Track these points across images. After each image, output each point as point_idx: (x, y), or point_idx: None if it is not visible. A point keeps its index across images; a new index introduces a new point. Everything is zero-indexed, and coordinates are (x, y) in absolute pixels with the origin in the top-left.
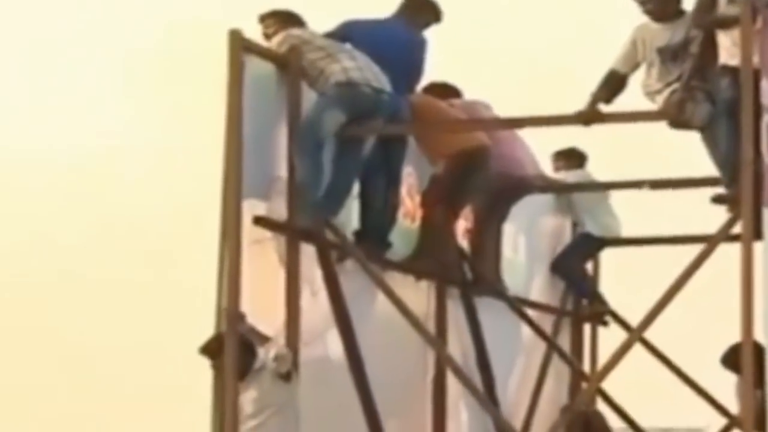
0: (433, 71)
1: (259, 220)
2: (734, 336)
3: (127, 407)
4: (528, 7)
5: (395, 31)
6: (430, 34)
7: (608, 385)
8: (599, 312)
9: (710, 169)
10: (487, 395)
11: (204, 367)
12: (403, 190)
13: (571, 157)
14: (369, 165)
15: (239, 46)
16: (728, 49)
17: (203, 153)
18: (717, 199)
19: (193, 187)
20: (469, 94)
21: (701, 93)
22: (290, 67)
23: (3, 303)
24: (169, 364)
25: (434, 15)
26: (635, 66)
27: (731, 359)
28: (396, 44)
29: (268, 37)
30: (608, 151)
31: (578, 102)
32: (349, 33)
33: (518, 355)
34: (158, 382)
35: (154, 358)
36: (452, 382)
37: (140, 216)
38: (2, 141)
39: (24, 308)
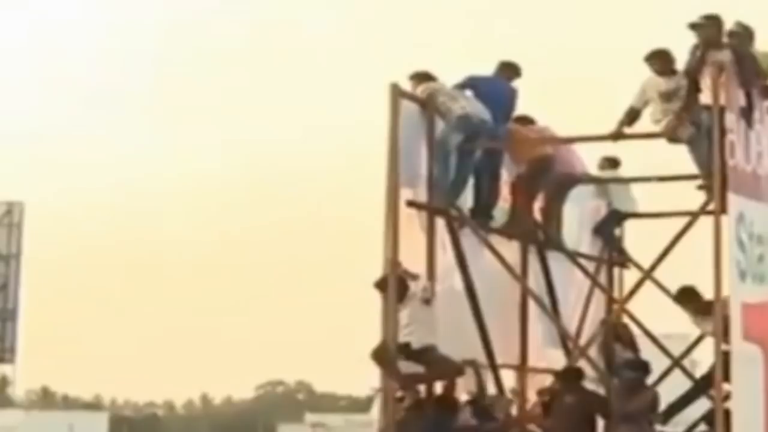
0: None
1: (409, 203)
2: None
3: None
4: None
5: (498, 84)
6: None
7: (630, 305)
8: (623, 259)
9: (693, 169)
10: (553, 313)
11: (377, 296)
12: (502, 182)
13: (610, 162)
14: (479, 167)
15: (397, 93)
16: (707, 91)
17: (375, 160)
18: (700, 187)
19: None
20: None
21: (688, 120)
22: (428, 106)
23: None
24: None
25: (517, 72)
26: (645, 103)
27: (679, 297)
28: (499, 92)
29: (414, 87)
30: (630, 156)
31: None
32: (472, 83)
33: (572, 287)
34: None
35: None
36: (531, 306)
37: (334, 203)
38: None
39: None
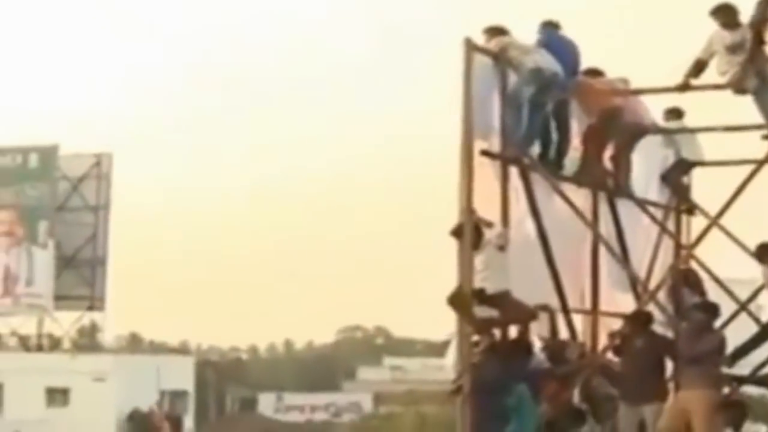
0: None
1: (483, 152)
2: None
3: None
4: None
5: (564, 38)
6: None
7: (697, 251)
8: (690, 207)
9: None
10: (623, 258)
11: (453, 243)
12: (573, 132)
13: (674, 112)
14: (550, 118)
15: (470, 47)
16: None
17: (450, 113)
18: (765, 137)
19: (443, 133)
20: None
21: (752, 71)
22: (501, 59)
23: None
24: (434, 243)
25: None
26: (711, 56)
27: (759, 253)
28: (566, 45)
29: (487, 41)
30: (697, 107)
31: None
32: (546, 39)
33: (641, 234)
34: (430, 252)
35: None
36: (602, 252)
37: (413, 155)
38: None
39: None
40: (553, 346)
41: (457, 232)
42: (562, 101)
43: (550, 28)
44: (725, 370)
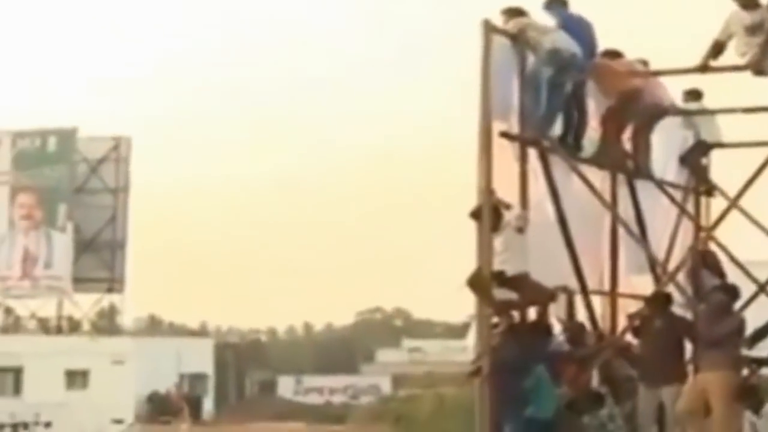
0: None
1: (502, 134)
2: None
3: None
4: None
5: (581, 19)
6: None
7: (716, 233)
8: (709, 188)
9: None
10: (642, 240)
11: (472, 225)
12: (591, 114)
13: (693, 94)
14: (569, 99)
15: (489, 29)
16: None
17: (469, 95)
18: None
19: (461, 114)
20: None
21: None
22: (519, 40)
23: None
24: (453, 224)
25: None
26: (730, 37)
27: None
28: (583, 26)
29: (506, 23)
30: (716, 89)
31: None
32: (563, 20)
33: (660, 216)
34: (449, 234)
35: (448, 221)
36: (621, 233)
37: (431, 136)
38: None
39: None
40: (573, 328)
41: (476, 214)
42: (578, 82)
43: (558, 5)
44: (744, 352)
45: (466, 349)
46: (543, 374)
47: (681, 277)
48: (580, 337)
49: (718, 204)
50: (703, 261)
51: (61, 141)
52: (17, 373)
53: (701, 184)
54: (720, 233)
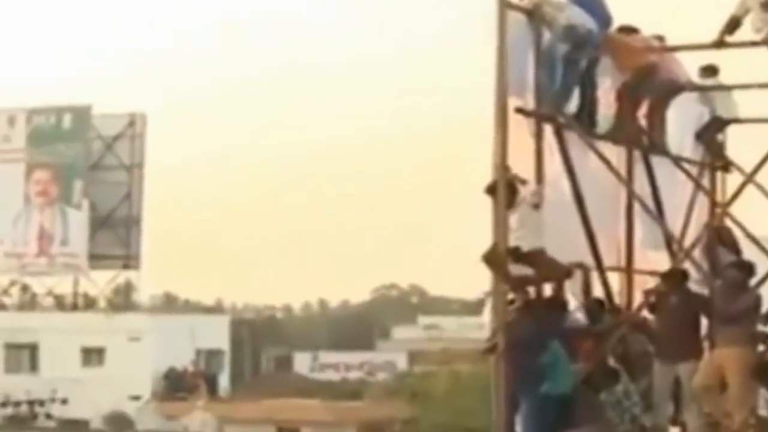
0: None
1: (518, 110)
2: None
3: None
4: None
5: None
6: None
7: (732, 209)
8: (725, 163)
9: None
10: (658, 215)
11: (488, 201)
12: (607, 90)
13: (709, 70)
14: (584, 75)
15: (504, 4)
16: None
17: (484, 71)
18: None
19: (476, 90)
20: None
21: None
22: (534, 16)
23: None
24: (468, 200)
25: None
26: (746, 12)
27: None
28: (599, 4)
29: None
30: (732, 65)
31: None
32: None
33: (676, 192)
34: (465, 210)
35: (463, 197)
36: (636, 209)
37: (447, 112)
38: None
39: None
40: (591, 304)
41: (492, 190)
42: (593, 59)
43: None
44: (760, 328)
45: (482, 326)
46: (559, 350)
47: (697, 253)
48: (598, 314)
49: (733, 180)
50: (719, 237)
51: (77, 118)
52: (33, 349)
53: (717, 160)
54: (736, 209)
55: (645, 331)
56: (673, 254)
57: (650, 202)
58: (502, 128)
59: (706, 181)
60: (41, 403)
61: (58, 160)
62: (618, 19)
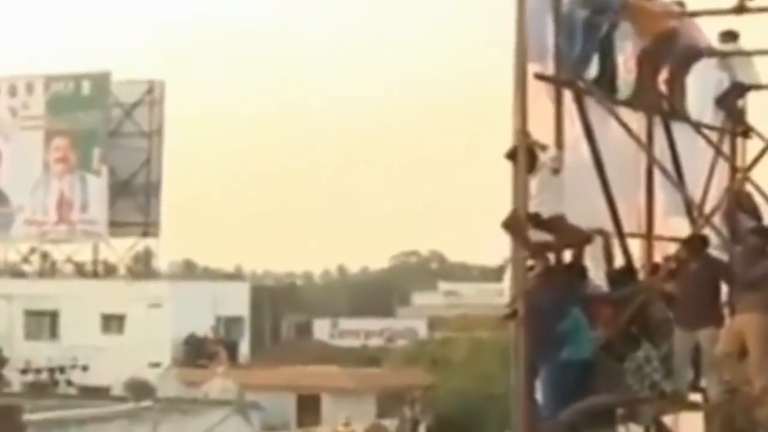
0: None
1: (537, 76)
2: None
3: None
4: None
5: None
6: None
7: (752, 174)
8: (745, 129)
9: None
10: (678, 180)
11: (508, 167)
12: (628, 55)
13: (729, 35)
14: (604, 41)
15: None
16: None
17: (503, 37)
18: None
19: (496, 56)
20: None
21: None
22: None
23: None
24: (488, 166)
25: None
26: None
27: None
28: None
29: None
30: (752, 30)
31: None
32: None
33: (696, 157)
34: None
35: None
36: (656, 175)
37: (467, 77)
38: None
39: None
40: (613, 271)
41: (512, 156)
42: (612, 24)
43: None
44: None
45: (501, 292)
46: (579, 317)
47: (717, 219)
48: (627, 281)
49: (753, 145)
50: (739, 203)
51: (95, 85)
52: (54, 317)
53: (737, 126)
54: (756, 175)
55: (664, 298)
56: (693, 220)
57: (671, 168)
58: (521, 94)
59: (726, 147)
60: (62, 370)
61: (77, 127)
62: None
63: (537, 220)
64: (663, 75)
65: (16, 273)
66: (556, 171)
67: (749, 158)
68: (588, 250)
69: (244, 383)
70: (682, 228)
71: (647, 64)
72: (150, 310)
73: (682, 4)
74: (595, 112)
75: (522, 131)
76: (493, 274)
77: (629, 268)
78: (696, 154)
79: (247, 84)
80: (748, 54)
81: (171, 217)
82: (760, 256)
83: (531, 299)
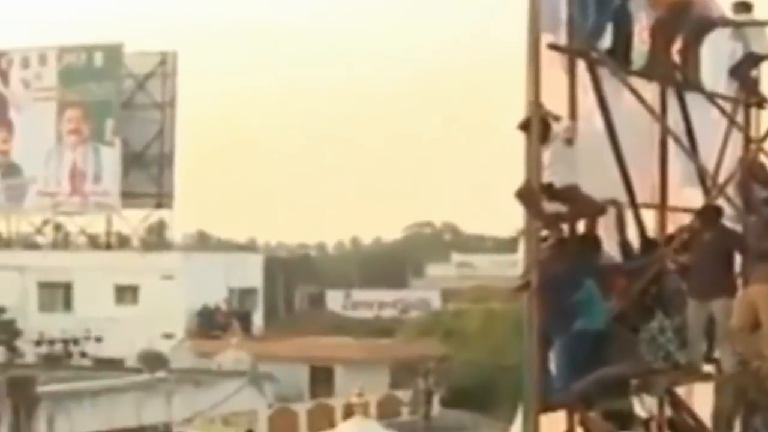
0: None
1: (550, 46)
2: None
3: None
4: None
5: None
6: None
7: (766, 145)
8: (759, 100)
9: None
10: (692, 151)
11: (521, 137)
12: (642, 26)
13: (743, 5)
14: (618, 11)
15: None
16: None
17: (518, 6)
18: None
19: (509, 27)
20: None
21: None
22: None
23: None
24: (501, 137)
25: None
26: None
27: None
28: None
29: None
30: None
31: None
32: None
33: (710, 128)
34: (498, 147)
35: (496, 134)
36: (670, 145)
37: (480, 48)
38: None
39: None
40: (627, 241)
41: (525, 126)
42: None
43: None
44: None
45: (515, 263)
46: (593, 288)
47: (731, 189)
48: (630, 250)
49: None
50: (753, 173)
51: (108, 56)
52: (67, 288)
53: (751, 97)
54: None
55: (678, 268)
56: (707, 191)
57: (684, 139)
58: (535, 64)
59: (740, 118)
60: (76, 341)
61: (90, 98)
62: None
63: (550, 191)
64: (677, 45)
65: (30, 245)
66: (569, 142)
67: (763, 129)
68: (601, 221)
69: (258, 354)
70: (695, 199)
71: (661, 34)
72: (163, 281)
73: None
74: (609, 82)
75: (535, 102)
76: (507, 246)
77: (648, 240)
78: (710, 124)
79: (261, 55)
80: (762, 24)
81: (184, 188)
82: None
83: (544, 270)
